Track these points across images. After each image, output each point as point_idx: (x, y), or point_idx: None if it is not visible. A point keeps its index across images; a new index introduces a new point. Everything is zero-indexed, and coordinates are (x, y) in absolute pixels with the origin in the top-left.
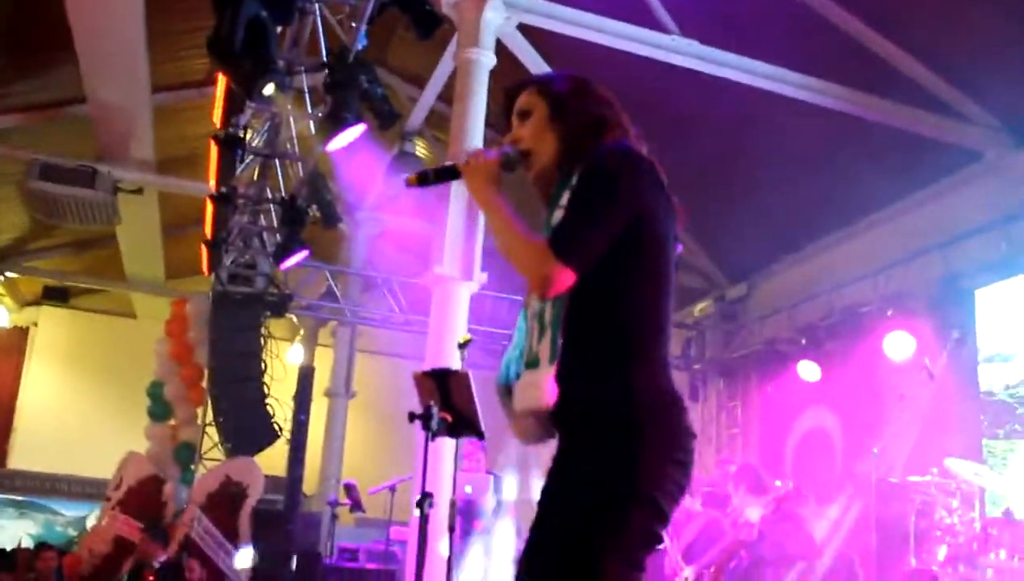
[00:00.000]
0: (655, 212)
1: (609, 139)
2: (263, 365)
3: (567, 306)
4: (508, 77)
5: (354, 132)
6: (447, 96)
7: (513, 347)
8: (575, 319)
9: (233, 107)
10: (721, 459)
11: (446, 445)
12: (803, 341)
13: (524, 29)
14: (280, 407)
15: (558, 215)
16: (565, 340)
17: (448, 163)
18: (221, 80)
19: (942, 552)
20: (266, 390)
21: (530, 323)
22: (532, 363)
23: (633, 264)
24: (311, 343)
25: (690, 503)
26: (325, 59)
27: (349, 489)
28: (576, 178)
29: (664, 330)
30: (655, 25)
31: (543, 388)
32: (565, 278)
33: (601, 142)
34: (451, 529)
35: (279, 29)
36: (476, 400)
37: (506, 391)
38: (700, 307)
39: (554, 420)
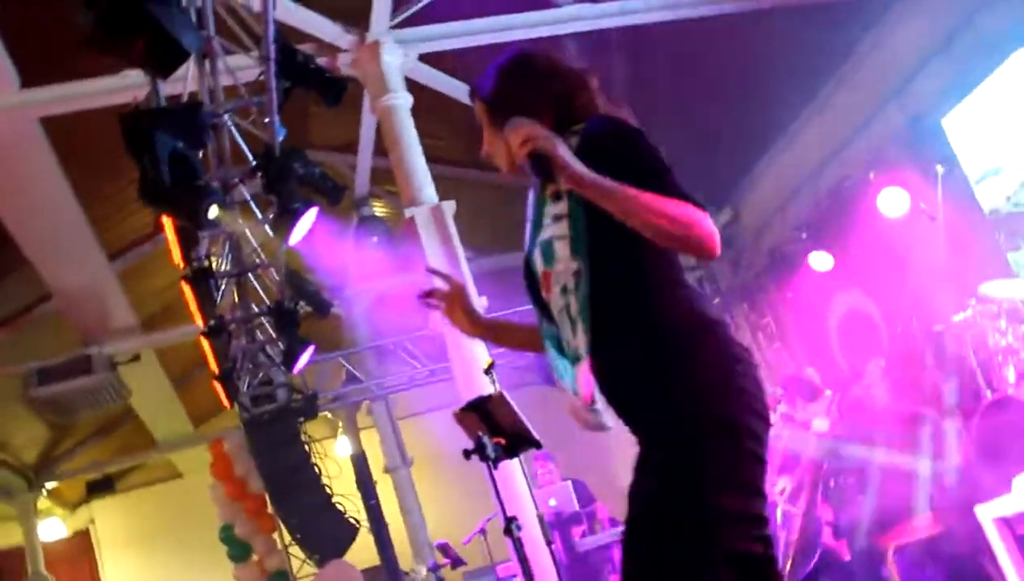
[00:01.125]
0: None
1: (580, 102)
2: (316, 469)
3: (590, 291)
4: (432, 108)
5: (308, 219)
6: (382, 150)
7: (548, 347)
8: (602, 297)
9: (188, 243)
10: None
11: (512, 468)
12: (804, 236)
13: (426, 58)
14: (348, 501)
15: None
16: (593, 323)
17: (530, 158)
18: (167, 222)
19: (1011, 374)
20: (329, 491)
21: (560, 318)
22: (577, 359)
23: None
24: (353, 430)
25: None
26: (254, 162)
27: (444, 549)
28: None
29: (681, 267)
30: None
31: (581, 382)
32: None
33: (576, 108)
34: (549, 543)
35: (200, 153)
36: (521, 415)
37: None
38: None
39: (611, 400)
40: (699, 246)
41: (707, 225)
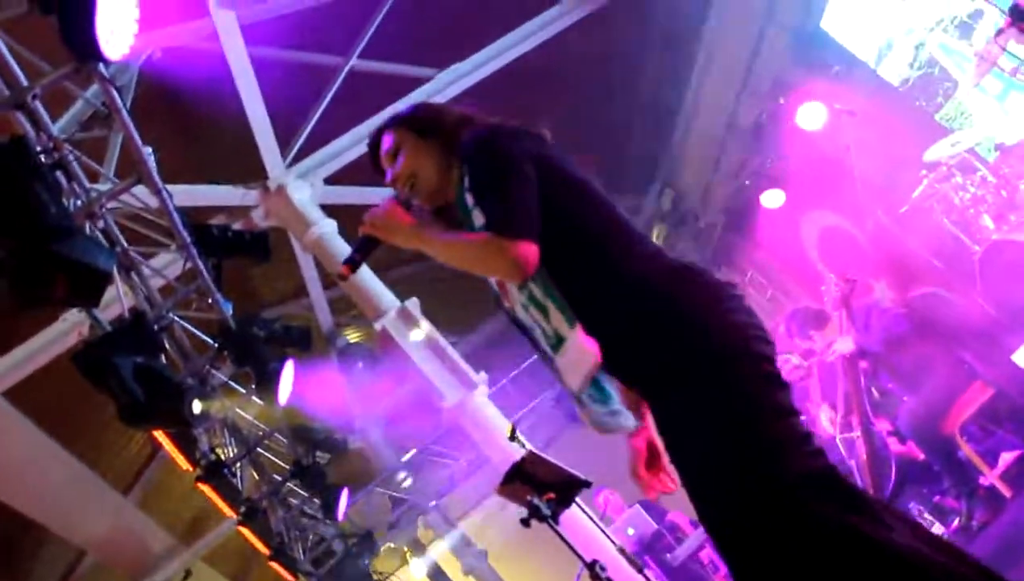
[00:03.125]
0: (546, 149)
1: (468, 130)
2: None
3: (547, 272)
4: (355, 221)
5: (288, 373)
6: (330, 280)
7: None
8: (561, 276)
9: (189, 445)
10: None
11: (574, 515)
12: (747, 182)
13: (331, 179)
14: None
15: (477, 216)
16: (568, 296)
17: (360, 236)
18: (160, 436)
19: (988, 221)
20: None
21: (531, 323)
22: (559, 342)
23: (566, 201)
24: (420, 549)
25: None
26: (215, 344)
27: None
28: (466, 175)
29: (631, 230)
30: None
31: (583, 346)
32: (531, 250)
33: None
34: (640, 569)
35: (162, 357)
36: (558, 463)
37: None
38: (655, 236)
39: (613, 372)
40: (504, 275)
41: (502, 258)
